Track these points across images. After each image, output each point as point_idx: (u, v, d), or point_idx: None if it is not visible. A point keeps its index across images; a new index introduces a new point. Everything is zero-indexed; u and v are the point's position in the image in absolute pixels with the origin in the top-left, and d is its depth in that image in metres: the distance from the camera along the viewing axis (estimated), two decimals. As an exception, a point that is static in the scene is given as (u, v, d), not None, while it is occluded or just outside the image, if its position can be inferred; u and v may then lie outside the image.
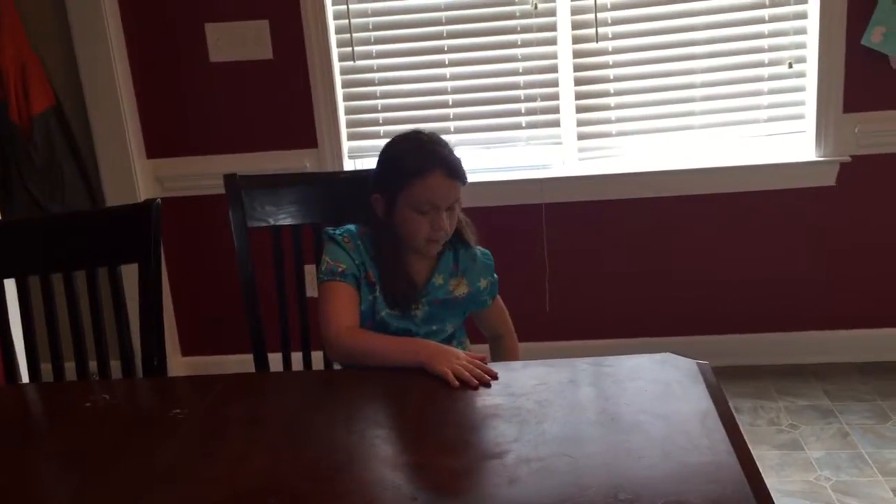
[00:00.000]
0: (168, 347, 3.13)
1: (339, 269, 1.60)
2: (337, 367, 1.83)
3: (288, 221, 1.83)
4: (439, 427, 1.27)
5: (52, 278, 1.61)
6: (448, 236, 1.63)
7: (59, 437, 1.33)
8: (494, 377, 1.40)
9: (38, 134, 2.87)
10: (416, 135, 1.66)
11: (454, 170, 1.59)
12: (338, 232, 1.66)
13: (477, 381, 1.37)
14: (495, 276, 1.75)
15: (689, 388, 1.34)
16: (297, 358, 1.85)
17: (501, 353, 1.80)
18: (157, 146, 3.03)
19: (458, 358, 1.43)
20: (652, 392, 1.33)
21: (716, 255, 2.96)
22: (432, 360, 1.42)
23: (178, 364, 3.23)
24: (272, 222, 1.83)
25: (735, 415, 2.29)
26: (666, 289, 3.01)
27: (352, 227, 1.67)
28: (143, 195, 2.99)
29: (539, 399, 1.33)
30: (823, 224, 2.90)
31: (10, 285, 1.64)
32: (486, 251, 1.76)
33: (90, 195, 3.00)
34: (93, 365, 1.67)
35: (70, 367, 1.65)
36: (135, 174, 2.97)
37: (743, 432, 2.54)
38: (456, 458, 1.18)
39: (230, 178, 1.82)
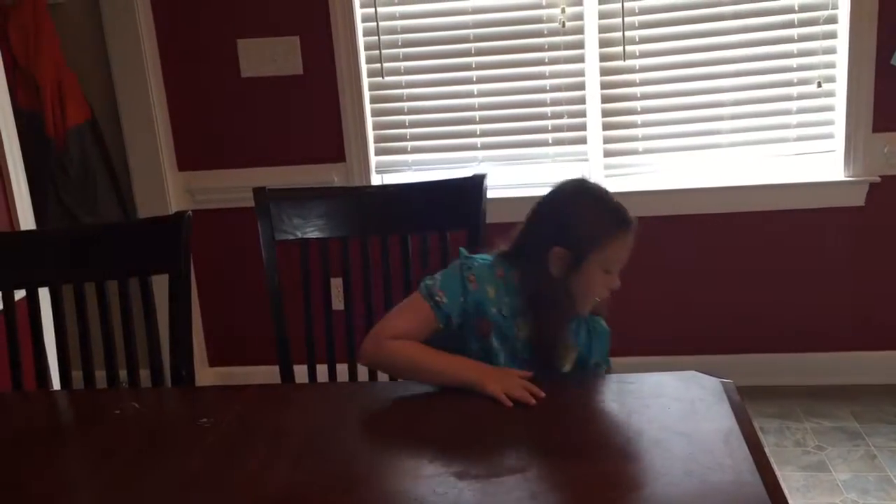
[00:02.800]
0: (196, 358, 3.20)
1: (438, 298, 1.49)
2: (363, 378, 1.85)
3: (315, 235, 1.85)
4: (461, 440, 1.28)
5: (84, 288, 1.64)
6: None
7: (87, 443, 1.35)
8: (542, 396, 1.37)
9: (72, 147, 2.92)
10: (601, 189, 1.58)
11: (633, 231, 1.53)
12: (472, 264, 1.53)
13: (533, 400, 1.35)
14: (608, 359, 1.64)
15: (713, 406, 1.33)
16: (322, 370, 1.86)
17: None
18: (189, 159, 3.08)
19: (511, 377, 1.40)
20: (675, 410, 1.33)
21: (743, 273, 2.95)
22: (485, 379, 1.39)
23: (206, 374, 3.26)
24: (300, 235, 1.85)
25: (760, 435, 2.27)
26: (692, 307, 3.00)
27: (488, 259, 1.55)
28: (174, 207, 3.04)
29: (562, 415, 1.33)
30: (852, 244, 2.88)
31: (44, 294, 1.67)
32: (605, 329, 1.63)
33: (122, 207, 3.05)
34: (122, 374, 1.69)
35: (101, 376, 1.68)
36: (166, 187, 3.02)
37: (768, 453, 2.53)
38: (478, 472, 1.18)
39: (259, 192, 1.85)
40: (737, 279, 2.96)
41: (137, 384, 1.67)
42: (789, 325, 2.96)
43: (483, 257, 1.56)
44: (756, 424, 2.68)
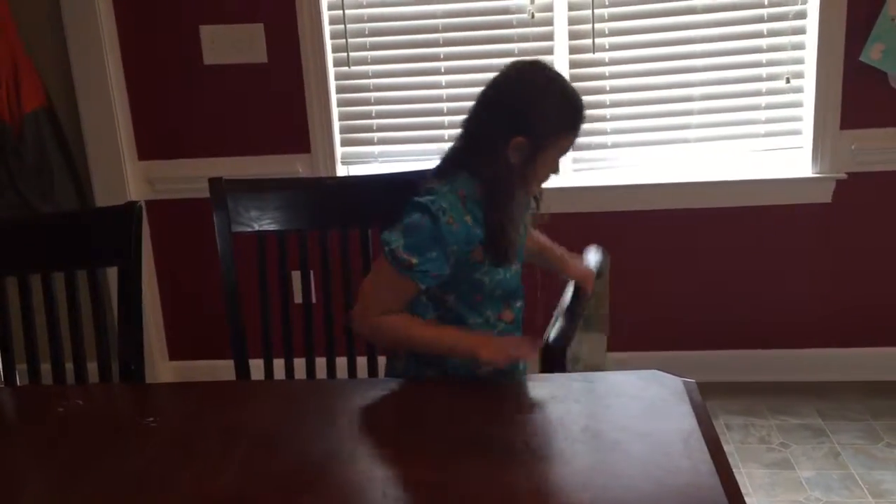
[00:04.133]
0: (155, 351, 3.15)
1: (408, 264, 1.42)
2: (321, 374, 1.81)
3: (273, 227, 1.80)
4: (418, 440, 1.24)
5: (29, 279, 1.58)
6: None
7: (27, 442, 1.30)
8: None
9: (28, 133, 2.84)
10: (561, 78, 1.52)
11: None
12: (440, 205, 1.43)
13: (534, 353, 1.40)
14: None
15: (674, 406, 1.31)
16: (279, 365, 1.82)
17: (550, 259, 1.78)
18: (149, 148, 3.01)
19: (504, 342, 1.45)
20: (635, 409, 1.30)
21: (710, 269, 2.94)
22: (478, 347, 1.41)
23: (166, 368, 3.20)
24: (257, 228, 1.80)
25: (724, 433, 2.26)
26: (657, 303, 2.98)
27: (444, 190, 1.46)
28: (133, 197, 2.97)
29: (520, 414, 1.30)
30: (819, 241, 2.88)
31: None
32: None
33: (80, 196, 2.97)
34: (69, 367, 1.63)
35: (46, 370, 1.62)
36: (126, 176, 2.95)
37: (733, 450, 2.52)
38: (435, 472, 1.15)
39: (215, 182, 1.80)
40: (703, 275, 2.94)
41: (85, 379, 1.61)
42: (755, 322, 2.96)
43: (435, 190, 1.47)
44: (721, 421, 2.70)
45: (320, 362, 1.82)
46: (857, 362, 2.93)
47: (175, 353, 3.22)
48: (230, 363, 1.80)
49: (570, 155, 2.87)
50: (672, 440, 1.21)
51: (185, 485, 1.15)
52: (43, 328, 1.59)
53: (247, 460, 1.21)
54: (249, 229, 1.80)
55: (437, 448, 1.21)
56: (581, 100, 1.51)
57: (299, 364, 1.81)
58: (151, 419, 1.32)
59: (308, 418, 1.31)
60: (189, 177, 2.94)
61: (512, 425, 1.27)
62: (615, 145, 2.88)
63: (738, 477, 1.10)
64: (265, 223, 1.80)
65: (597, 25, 2.77)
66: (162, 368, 3.17)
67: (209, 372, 3.08)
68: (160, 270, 3.12)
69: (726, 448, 2.52)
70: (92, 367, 1.65)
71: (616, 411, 1.29)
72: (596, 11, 2.76)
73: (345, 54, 2.87)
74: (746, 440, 2.63)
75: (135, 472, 1.18)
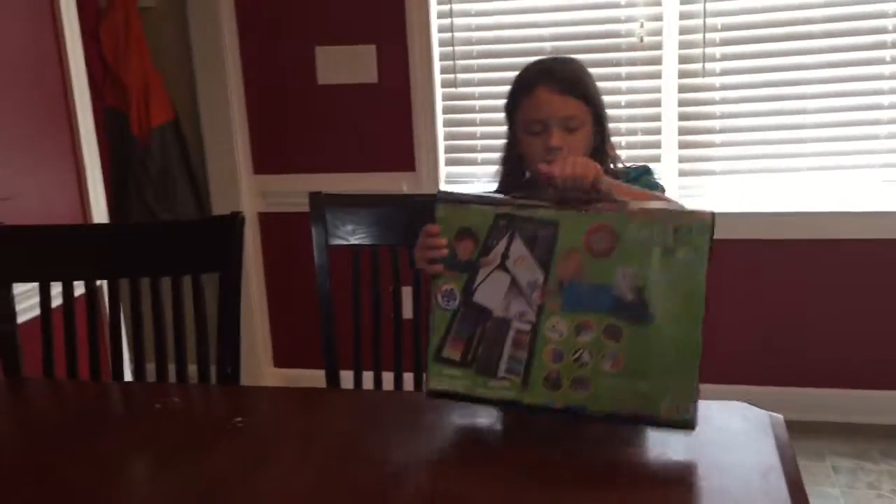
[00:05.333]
0: (261, 357, 3.26)
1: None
2: (408, 388, 1.84)
3: (367, 241, 1.85)
4: (483, 460, 1.24)
5: (139, 283, 1.68)
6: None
7: (123, 435, 1.38)
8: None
9: (155, 144, 3.02)
10: (554, 57, 1.63)
11: (564, 82, 1.51)
12: None
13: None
14: (655, 183, 1.57)
15: (757, 440, 1.27)
16: (368, 377, 1.86)
17: None
18: (264, 163, 3.14)
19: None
20: (716, 440, 1.27)
21: (823, 304, 2.82)
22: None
23: (271, 375, 3.31)
24: (353, 241, 1.86)
25: (831, 476, 2.14)
26: (770, 337, 2.87)
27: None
28: (247, 208, 3.11)
29: (598, 437, 1.29)
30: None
31: (101, 288, 1.72)
32: (638, 168, 1.60)
33: (199, 206, 3.13)
34: (172, 368, 1.72)
35: (151, 369, 1.72)
36: (241, 188, 3.09)
37: (839, 495, 2.40)
38: (497, 491, 1.15)
39: (315, 196, 1.86)
40: (817, 309, 2.82)
41: (185, 379, 1.69)
42: (870, 361, 2.81)
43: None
44: (828, 463, 2.58)
45: (408, 377, 1.85)
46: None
47: (280, 360, 3.33)
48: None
49: (677, 181, 2.83)
50: (751, 475, 1.17)
51: (262, 486, 1.19)
52: (150, 330, 1.68)
53: (324, 465, 1.24)
54: (345, 242, 1.86)
55: (505, 463, 1.22)
56: (539, 68, 1.56)
57: (388, 378, 1.84)
58: (239, 420, 1.37)
59: (390, 429, 1.33)
60: (299, 191, 3.02)
61: (585, 448, 1.25)
62: (724, 172, 2.81)
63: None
64: (360, 237, 1.85)
65: (707, 50, 2.72)
66: (267, 374, 3.29)
67: (311, 380, 3.16)
68: (269, 280, 3.24)
69: (832, 492, 2.42)
70: (193, 369, 1.73)
71: (695, 441, 1.26)
72: (707, 35, 2.71)
73: (452, 75, 2.92)
74: (855, 485, 2.49)
75: (215, 471, 1.24)
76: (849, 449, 2.68)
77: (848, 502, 2.39)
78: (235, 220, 1.66)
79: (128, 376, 1.78)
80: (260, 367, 3.25)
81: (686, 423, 1.17)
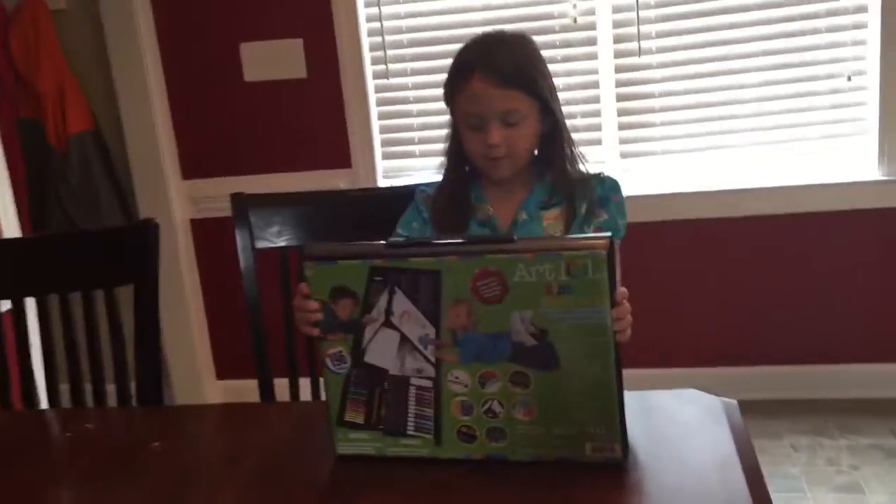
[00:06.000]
0: (203, 371, 3.13)
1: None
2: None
3: (294, 242, 1.74)
4: (435, 474, 1.15)
5: (47, 299, 1.55)
6: (514, 156, 1.44)
7: (32, 468, 1.25)
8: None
9: (74, 153, 2.87)
10: (489, 34, 1.50)
11: (502, 73, 1.39)
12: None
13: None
14: (621, 205, 1.48)
15: (711, 429, 1.19)
16: (305, 384, 1.75)
17: None
18: (193, 167, 3.00)
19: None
20: (667, 432, 1.19)
21: (773, 280, 2.78)
22: None
23: (214, 388, 3.18)
24: (280, 243, 1.75)
25: (791, 454, 2.08)
26: (717, 316, 2.83)
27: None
28: (178, 216, 2.98)
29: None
30: (887, 249, 2.69)
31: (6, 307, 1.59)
32: (610, 177, 1.51)
33: (126, 216, 2.98)
34: (88, 388, 1.60)
35: (65, 389, 1.59)
36: (170, 195, 2.95)
37: (799, 473, 2.36)
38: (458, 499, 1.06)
39: (236, 197, 1.75)
40: (765, 286, 2.78)
41: (103, 401, 1.57)
42: (821, 335, 2.78)
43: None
44: (786, 441, 2.54)
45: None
46: (934, 378, 2.73)
47: (222, 372, 3.21)
48: (277, 381, 1.76)
49: (620, 163, 2.77)
50: (707, 468, 1.09)
51: (181, 514, 1.09)
52: (61, 349, 1.55)
53: (248, 487, 1.14)
54: (272, 245, 1.75)
55: (448, 479, 1.12)
56: (480, 43, 1.47)
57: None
58: (157, 444, 1.26)
59: (322, 444, 1.22)
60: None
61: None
62: (665, 152, 2.76)
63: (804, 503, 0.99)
64: (287, 238, 1.75)
65: (642, 28, 2.66)
66: (209, 388, 3.16)
67: (255, 391, 3.04)
68: (206, 289, 3.11)
69: (792, 471, 2.38)
70: (112, 388, 1.61)
71: (645, 433, 1.18)
72: (641, 13, 2.65)
73: (384, 66, 2.82)
74: (814, 461, 2.46)
75: (131, 500, 1.13)
76: (806, 426, 2.64)
77: (809, 480, 2.35)
78: (148, 227, 1.54)
79: (43, 400, 1.65)
80: (201, 381, 3.11)
81: (615, 462, 1.08)
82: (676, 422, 1.22)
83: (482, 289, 1.03)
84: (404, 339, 1.08)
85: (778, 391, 2.75)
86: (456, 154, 1.51)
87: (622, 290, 1.07)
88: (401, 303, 1.06)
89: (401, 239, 1.05)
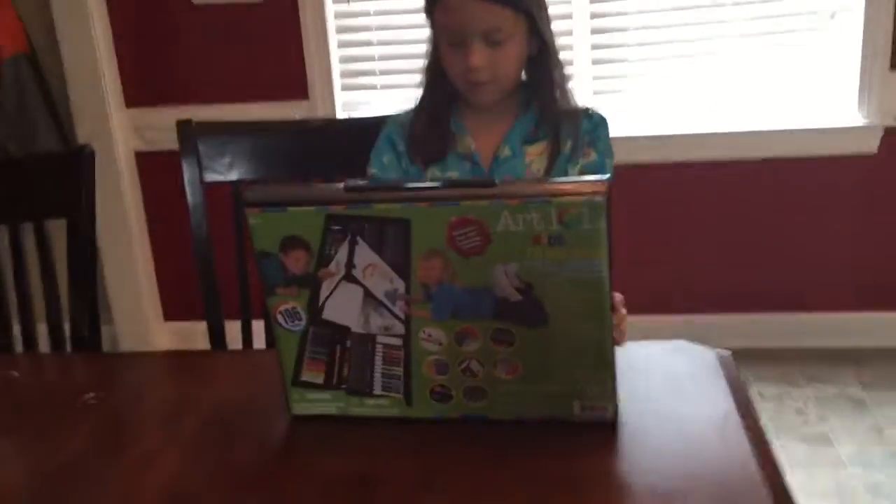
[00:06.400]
0: (149, 312, 2.97)
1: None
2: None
3: (249, 176, 1.60)
4: (405, 433, 1.04)
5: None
6: (498, 81, 1.31)
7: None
8: None
9: (7, 78, 2.65)
10: None
11: None
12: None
13: None
14: (609, 145, 1.39)
15: (707, 384, 1.10)
16: (258, 327, 1.62)
17: None
18: (137, 94, 2.80)
19: None
20: (662, 390, 1.09)
21: (740, 226, 2.70)
22: None
23: (161, 330, 3.03)
24: (232, 177, 1.60)
25: (757, 403, 2.00)
26: (683, 263, 2.75)
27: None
28: (121, 148, 2.79)
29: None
30: (862, 196, 2.62)
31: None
32: (599, 113, 1.41)
33: (65, 146, 2.78)
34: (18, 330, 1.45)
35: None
36: (112, 125, 2.75)
37: (767, 422, 2.30)
38: (395, 486, 0.95)
39: (184, 126, 1.59)
40: (733, 232, 2.70)
41: (34, 345, 1.42)
42: (790, 283, 2.72)
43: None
44: (753, 390, 2.48)
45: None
46: (901, 327, 2.69)
47: (170, 313, 3.05)
48: (228, 324, 1.63)
49: (591, 101, 2.64)
50: (705, 425, 1.00)
51: (116, 473, 0.96)
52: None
53: (195, 446, 1.01)
54: (223, 178, 1.60)
55: (404, 442, 1.01)
56: None
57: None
58: (91, 395, 1.13)
59: (275, 398, 1.10)
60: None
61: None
62: (639, 92, 2.64)
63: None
64: (241, 171, 1.60)
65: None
66: (157, 330, 3.01)
67: (205, 334, 2.91)
68: (152, 227, 2.94)
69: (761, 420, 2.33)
70: (44, 329, 1.46)
71: (638, 392, 1.08)
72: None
73: (344, -10, 2.64)
74: (781, 411, 2.41)
75: (60, 459, 1.00)
76: (773, 374, 2.60)
77: (776, 428, 2.31)
78: (82, 154, 1.38)
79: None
80: (148, 323, 2.96)
81: (605, 422, 0.98)
82: (668, 376, 1.12)
83: (459, 239, 0.90)
84: (369, 295, 0.95)
85: (745, 339, 2.69)
86: (435, 73, 1.37)
87: (618, 295, 0.97)
88: (364, 255, 0.93)
89: (361, 182, 0.90)
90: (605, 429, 0.99)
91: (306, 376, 1.01)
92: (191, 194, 1.59)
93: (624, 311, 1.01)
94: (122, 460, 0.99)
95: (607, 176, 0.91)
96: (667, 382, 1.10)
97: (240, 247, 1.60)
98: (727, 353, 1.18)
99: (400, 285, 0.94)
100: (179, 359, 1.31)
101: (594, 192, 0.88)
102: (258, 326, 1.60)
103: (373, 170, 1.41)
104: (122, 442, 1.04)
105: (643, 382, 1.09)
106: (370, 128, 1.61)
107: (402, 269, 0.93)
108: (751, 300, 2.75)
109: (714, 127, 2.59)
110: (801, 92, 2.59)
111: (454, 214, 0.89)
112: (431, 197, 0.90)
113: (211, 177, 1.60)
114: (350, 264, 0.94)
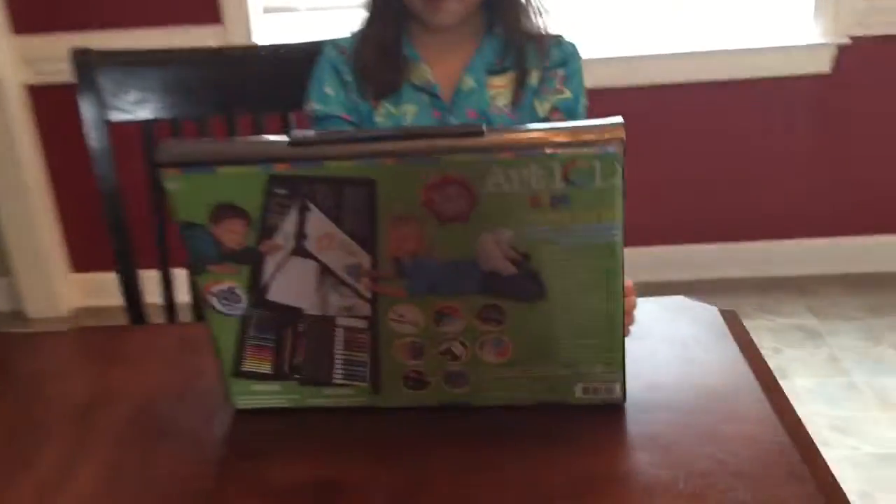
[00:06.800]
0: (53, 262, 2.70)
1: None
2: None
3: (163, 115, 1.37)
4: (373, 423, 0.87)
5: None
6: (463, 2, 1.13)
7: None
8: None
9: None
10: None
11: None
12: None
13: None
14: (582, 82, 1.23)
15: (716, 348, 0.96)
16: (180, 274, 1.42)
17: None
18: (26, 20, 2.47)
19: None
20: (664, 355, 0.95)
21: (687, 151, 2.57)
22: None
23: (70, 282, 2.77)
24: (141, 115, 1.37)
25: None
26: (630, 191, 2.62)
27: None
28: (10, 80, 2.47)
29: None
30: (813, 119, 2.53)
31: None
32: (570, 42, 1.23)
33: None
34: None
35: None
36: (-2, 54, 2.43)
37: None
38: (353, 480, 0.79)
39: (80, 55, 1.34)
40: (680, 157, 2.58)
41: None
42: (738, 210, 2.63)
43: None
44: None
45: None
46: (850, 253, 2.64)
47: (78, 263, 2.79)
48: (144, 273, 1.45)
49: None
50: (722, 397, 0.86)
51: (19, 495, 0.77)
52: None
53: (120, 444, 0.83)
54: (130, 117, 1.36)
55: (368, 433, 0.85)
56: None
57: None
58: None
59: (215, 385, 0.91)
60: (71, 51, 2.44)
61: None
62: (594, 15, 2.46)
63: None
64: (151, 109, 1.36)
65: None
66: (62, 282, 2.74)
67: (115, 286, 2.67)
68: (52, 170, 2.65)
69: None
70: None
71: (643, 364, 0.93)
72: None
73: None
74: (732, 344, 2.34)
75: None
76: (722, 305, 2.51)
77: (730, 365, 2.23)
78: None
79: None
80: (54, 274, 2.70)
81: (611, 404, 0.84)
82: (673, 341, 0.98)
83: (439, 202, 0.72)
84: (325, 271, 0.77)
85: (693, 270, 2.62)
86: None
87: (627, 281, 0.81)
88: (317, 223, 0.74)
89: (309, 133, 0.70)
90: (610, 412, 0.84)
91: (249, 366, 0.83)
92: (93, 137, 1.36)
93: (634, 297, 0.87)
94: (36, 464, 0.80)
95: (620, 119, 0.73)
96: (672, 348, 0.96)
97: (155, 194, 1.38)
98: (731, 310, 1.06)
99: (364, 259, 0.76)
100: (93, 337, 1.09)
101: (608, 140, 0.70)
102: (180, 275, 1.41)
103: (314, 105, 1.20)
104: (34, 442, 0.85)
105: (647, 351, 0.94)
106: (301, 55, 1.39)
107: (366, 240, 0.75)
108: (697, 230, 2.66)
109: (662, 49, 2.44)
110: (749, 10, 2.45)
111: (432, 172, 0.71)
112: (402, 151, 0.71)
113: (116, 116, 1.37)
114: (300, 235, 0.75)
